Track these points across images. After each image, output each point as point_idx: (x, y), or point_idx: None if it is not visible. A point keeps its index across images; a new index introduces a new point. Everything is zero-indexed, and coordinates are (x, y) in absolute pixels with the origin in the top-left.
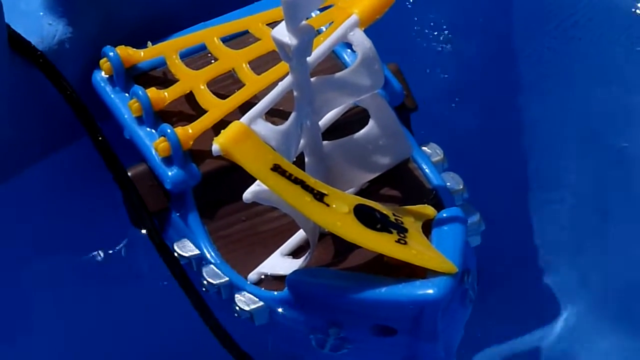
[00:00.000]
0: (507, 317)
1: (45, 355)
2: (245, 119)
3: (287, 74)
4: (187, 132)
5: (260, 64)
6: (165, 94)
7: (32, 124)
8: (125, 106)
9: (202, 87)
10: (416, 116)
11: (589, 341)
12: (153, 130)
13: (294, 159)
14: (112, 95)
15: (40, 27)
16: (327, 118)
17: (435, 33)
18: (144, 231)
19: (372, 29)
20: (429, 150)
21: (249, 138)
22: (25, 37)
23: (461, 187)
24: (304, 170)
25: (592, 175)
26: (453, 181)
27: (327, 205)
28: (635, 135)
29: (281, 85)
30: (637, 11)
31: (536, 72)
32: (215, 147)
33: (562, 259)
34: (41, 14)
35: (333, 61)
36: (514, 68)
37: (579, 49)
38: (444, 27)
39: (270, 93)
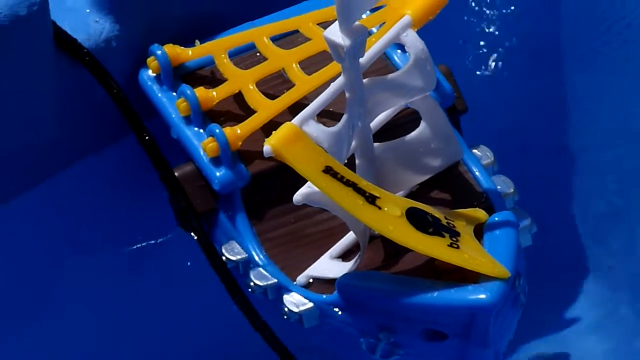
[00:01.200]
0: (554, 319)
1: (85, 349)
2: (296, 120)
3: (338, 75)
4: (235, 133)
5: (310, 64)
6: (214, 93)
7: (78, 122)
8: (173, 105)
9: (251, 86)
10: (466, 118)
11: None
12: (201, 130)
13: (346, 161)
14: (160, 94)
15: (86, 24)
16: (379, 120)
17: (486, 35)
18: (190, 232)
19: (424, 30)
20: (479, 153)
21: (300, 139)
22: (71, 35)
23: (512, 190)
24: (354, 172)
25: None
26: (504, 184)
27: (380, 208)
28: None
29: (333, 86)
30: None
31: (588, 76)
32: (267, 148)
33: (614, 261)
34: (88, 11)
35: (383, 62)
36: (564, 72)
37: (632, 51)
38: (495, 30)
39: (322, 94)
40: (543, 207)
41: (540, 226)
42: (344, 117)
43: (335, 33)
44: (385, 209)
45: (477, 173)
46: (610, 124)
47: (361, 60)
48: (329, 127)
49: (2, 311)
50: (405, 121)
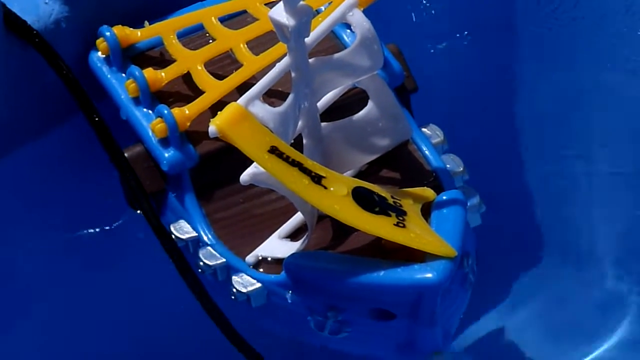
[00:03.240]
0: (505, 300)
1: (40, 333)
2: (242, 100)
3: (285, 55)
4: (184, 113)
5: (258, 44)
6: (163, 74)
7: (28, 103)
8: (122, 86)
9: (200, 67)
10: (416, 97)
11: (590, 322)
12: (150, 111)
13: (292, 141)
14: (109, 76)
15: (36, 6)
16: (326, 99)
17: (436, 13)
18: (140, 212)
19: (372, 10)
20: (429, 132)
21: (246, 120)
22: (20, 17)
23: (461, 169)
24: (301, 152)
25: (595, 154)
26: (453, 163)
27: (325, 187)
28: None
29: (279, 67)
30: None
31: (537, 54)
32: (212, 128)
33: (563, 238)
34: None
35: (332, 42)
36: (515, 50)
37: (581, 29)
38: (444, 7)
39: (268, 74)
40: (493, 186)
41: (489, 205)
42: (290, 97)
43: (280, 13)
44: (331, 188)
45: (426, 152)
46: (562, 99)
47: (307, 40)
48: (275, 107)
49: None
50: (352, 100)
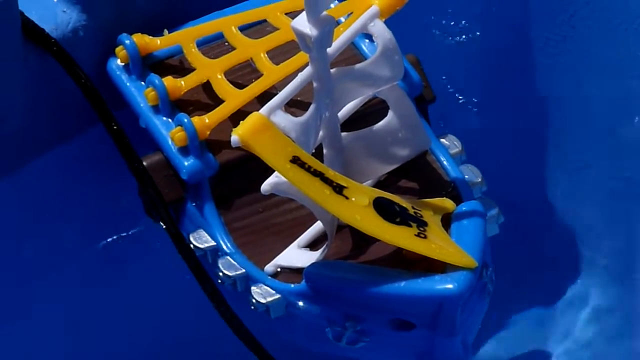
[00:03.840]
0: (522, 308)
1: (53, 338)
2: (264, 110)
3: (306, 65)
4: (204, 122)
5: (278, 54)
6: (182, 82)
7: (47, 112)
8: (141, 95)
9: (220, 76)
10: (434, 108)
11: (605, 336)
12: (169, 120)
13: (313, 151)
14: (128, 84)
15: (54, 14)
16: (346, 109)
17: (453, 24)
18: (159, 222)
19: (392, 20)
20: (447, 143)
21: (268, 129)
22: (39, 25)
23: (479, 179)
24: (322, 161)
25: (614, 163)
26: (471, 174)
27: (347, 198)
28: None
29: (301, 76)
30: None
31: (553, 62)
32: (234, 138)
33: (581, 251)
34: (55, 1)
35: (351, 52)
36: (531, 58)
37: (596, 37)
38: (462, 18)
39: (290, 84)
40: (512, 196)
41: (508, 216)
42: (312, 107)
43: (302, 23)
44: (353, 198)
45: (444, 162)
46: (579, 107)
47: (329, 50)
48: (297, 117)
49: None
50: (373, 111)
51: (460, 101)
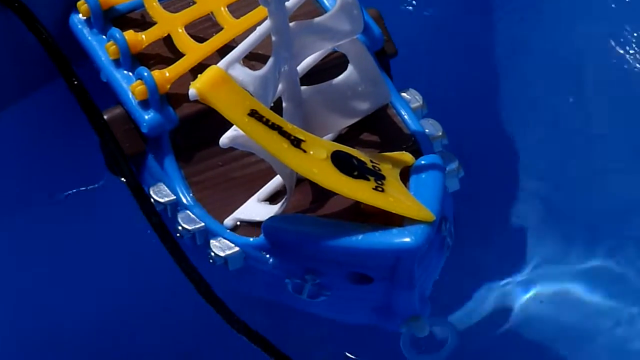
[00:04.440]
0: (482, 263)
1: (19, 288)
2: (222, 63)
3: (265, 18)
4: (164, 76)
5: (239, 8)
6: (143, 36)
7: (8, 66)
8: (103, 49)
9: (180, 30)
10: (396, 62)
11: (561, 286)
12: (130, 73)
13: (272, 104)
14: (89, 38)
15: None
16: (306, 63)
17: None
18: (120, 178)
19: None
20: (408, 97)
21: (225, 83)
22: None
23: (440, 133)
24: (281, 115)
25: (572, 124)
26: (432, 128)
27: (304, 151)
28: (610, 84)
29: (259, 30)
30: None
31: (520, 26)
32: (192, 91)
33: (539, 206)
34: None
35: (313, 6)
36: (497, 19)
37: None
38: None
39: (248, 37)
40: (473, 150)
41: (468, 170)
42: (270, 61)
43: None
44: (311, 152)
45: (405, 116)
46: (539, 66)
47: (287, 3)
48: (256, 70)
49: None
50: (333, 65)
51: (423, 56)
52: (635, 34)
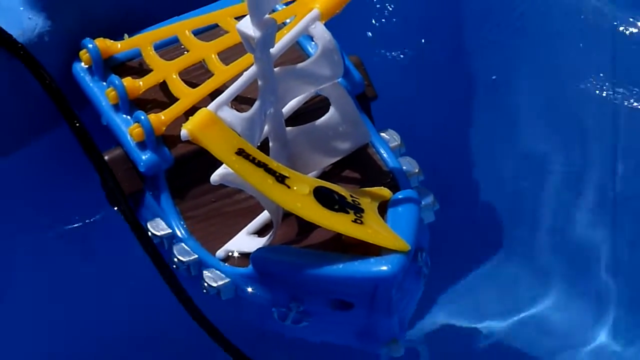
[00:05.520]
0: (458, 292)
1: (25, 320)
2: (212, 106)
3: (252, 65)
4: (159, 119)
5: (229, 55)
6: (140, 83)
7: (14, 111)
8: (103, 94)
9: (175, 76)
10: (376, 104)
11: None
12: (128, 117)
13: (259, 144)
14: (91, 84)
15: (20, 21)
16: (290, 106)
17: (393, 28)
18: (119, 211)
19: (335, 22)
20: (387, 137)
21: (215, 124)
22: (6, 31)
23: (417, 170)
24: (268, 154)
25: (547, 155)
26: (409, 165)
27: (289, 187)
28: (584, 117)
29: (246, 75)
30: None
31: (484, 64)
32: (184, 132)
33: (513, 234)
34: (21, 9)
35: (298, 52)
36: (466, 60)
37: (525, 40)
38: (401, 21)
39: (236, 82)
40: (449, 186)
41: (444, 204)
42: (256, 104)
43: (247, 25)
44: (294, 187)
45: (384, 154)
46: (508, 107)
47: (272, 50)
48: (243, 112)
49: None
50: (315, 107)
51: (403, 99)
52: (615, 73)
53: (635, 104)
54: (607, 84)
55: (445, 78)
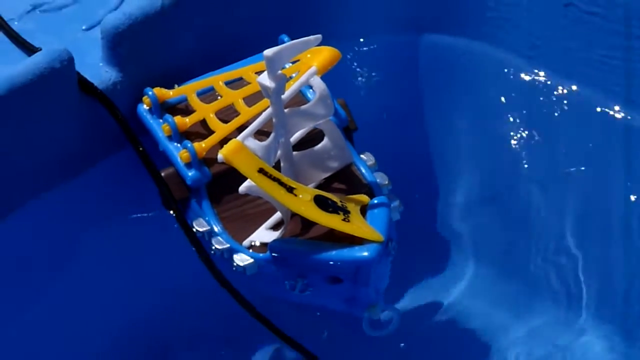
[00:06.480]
0: (420, 270)
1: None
2: (240, 137)
3: (268, 107)
4: (201, 146)
5: (251, 100)
6: (187, 120)
7: (94, 141)
8: (160, 128)
9: (212, 115)
10: (356, 134)
11: (487, 294)
12: (178, 145)
13: (273, 164)
14: (151, 121)
15: (100, 74)
16: (296, 136)
17: (364, 78)
18: (171, 212)
19: (329, 76)
20: (365, 157)
21: (242, 150)
22: (90, 80)
23: (387, 182)
24: (280, 171)
25: (492, 171)
26: (381, 178)
27: (296, 195)
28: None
29: (264, 115)
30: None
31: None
32: (220, 156)
33: (459, 227)
34: (101, 64)
35: (300, 98)
36: (422, 104)
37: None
38: (372, 72)
39: (257, 120)
40: (409, 193)
41: (406, 206)
42: (272, 135)
43: (265, 78)
44: (300, 196)
45: (363, 171)
46: (466, 131)
47: (283, 96)
48: (262, 141)
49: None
50: (314, 137)
51: (376, 130)
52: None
53: None
54: None
55: (406, 116)
